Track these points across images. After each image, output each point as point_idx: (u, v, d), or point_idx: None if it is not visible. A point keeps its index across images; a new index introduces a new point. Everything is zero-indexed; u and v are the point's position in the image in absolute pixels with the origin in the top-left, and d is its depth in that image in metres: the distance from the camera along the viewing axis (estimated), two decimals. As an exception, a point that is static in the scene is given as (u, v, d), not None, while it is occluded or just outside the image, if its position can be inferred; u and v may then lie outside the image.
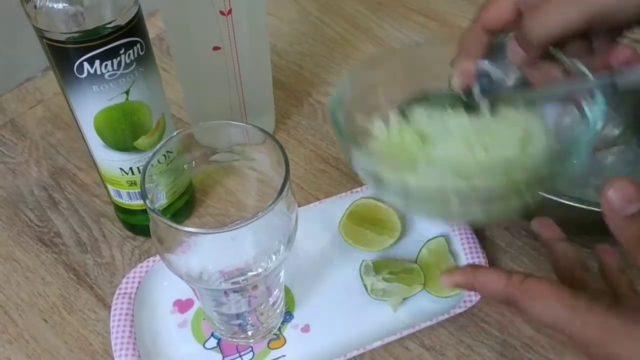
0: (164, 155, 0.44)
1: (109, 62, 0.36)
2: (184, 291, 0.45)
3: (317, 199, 0.50)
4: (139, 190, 0.45)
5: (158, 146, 0.34)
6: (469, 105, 0.35)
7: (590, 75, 0.31)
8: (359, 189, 0.50)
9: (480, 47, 0.34)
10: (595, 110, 0.31)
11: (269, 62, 0.52)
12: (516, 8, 0.32)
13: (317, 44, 0.66)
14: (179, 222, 0.32)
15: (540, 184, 0.33)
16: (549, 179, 0.33)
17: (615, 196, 0.28)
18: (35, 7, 0.34)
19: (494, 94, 0.35)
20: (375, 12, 0.69)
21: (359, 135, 0.35)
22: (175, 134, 0.35)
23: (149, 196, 0.33)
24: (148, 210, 0.32)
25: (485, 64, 0.35)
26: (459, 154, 0.32)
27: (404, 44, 0.66)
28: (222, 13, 0.44)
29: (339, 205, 0.49)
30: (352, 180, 0.53)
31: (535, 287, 0.30)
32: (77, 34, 0.35)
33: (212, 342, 0.43)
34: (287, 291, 0.45)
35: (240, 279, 0.38)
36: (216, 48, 0.46)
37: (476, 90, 0.35)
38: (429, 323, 0.43)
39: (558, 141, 0.34)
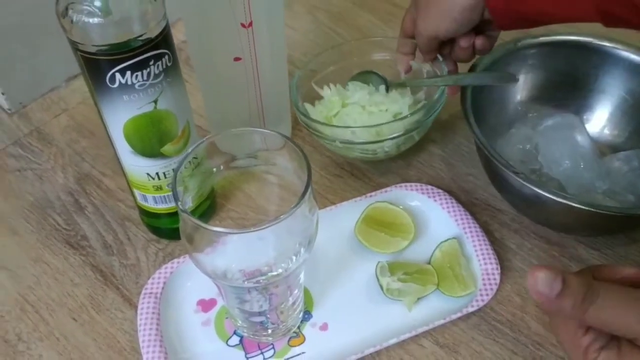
0: (189, 161, 0.46)
1: (139, 73, 0.38)
2: (207, 291, 0.47)
3: (333, 204, 0.52)
4: (165, 194, 0.47)
5: (189, 150, 0.37)
6: (386, 84, 0.57)
7: (440, 76, 0.53)
8: (373, 193, 0.52)
9: (407, 45, 0.55)
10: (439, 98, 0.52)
11: (287, 71, 0.54)
12: (413, 20, 0.52)
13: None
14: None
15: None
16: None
17: (541, 284, 0.31)
18: (72, 21, 0.36)
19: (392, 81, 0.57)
20: (387, 23, 0.71)
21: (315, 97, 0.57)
22: (204, 139, 0.37)
23: (180, 199, 0.35)
24: (180, 212, 0.34)
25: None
26: (355, 114, 0.54)
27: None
28: (243, 25, 0.46)
29: (354, 209, 0.50)
30: (366, 185, 0.55)
31: None
32: (110, 47, 0.37)
33: (235, 340, 0.45)
34: (306, 291, 0.47)
35: (261, 278, 0.40)
36: (237, 59, 0.48)
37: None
38: (442, 321, 0.44)
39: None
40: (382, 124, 0.51)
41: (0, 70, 0.60)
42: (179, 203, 0.34)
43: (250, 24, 0.46)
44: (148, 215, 0.50)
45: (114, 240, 0.52)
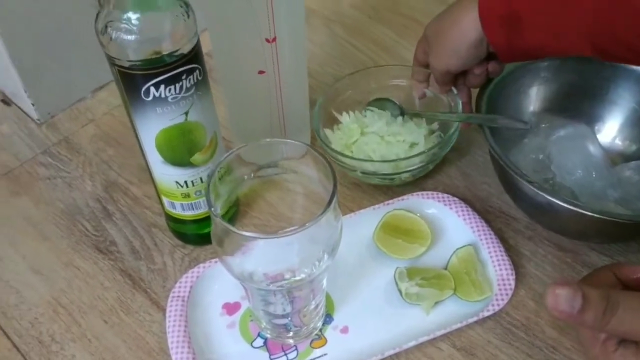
0: (217, 171, 0.48)
1: (172, 87, 0.41)
2: (232, 295, 0.49)
3: (352, 211, 0.54)
4: (191, 202, 0.49)
5: (222, 158, 0.39)
6: (402, 111, 0.59)
7: (455, 113, 0.56)
8: (390, 201, 0.54)
9: (421, 74, 0.58)
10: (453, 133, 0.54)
11: (307, 83, 0.56)
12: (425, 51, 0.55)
13: (347, 65, 0.70)
14: (237, 230, 0.36)
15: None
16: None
17: (562, 303, 0.32)
18: (110, 38, 0.38)
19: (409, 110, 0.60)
20: (402, 36, 0.73)
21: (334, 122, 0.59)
22: (236, 149, 0.39)
23: (213, 205, 0.37)
24: (212, 217, 0.36)
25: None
26: (374, 144, 0.56)
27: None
28: (267, 40, 0.48)
29: (372, 217, 0.52)
30: (383, 194, 0.57)
31: None
32: (145, 62, 0.39)
33: (259, 342, 0.47)
34: (327, 295, 0.49)
35: (284, 282, 0.42)
36: (261, 72, 0.51)
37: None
38: (459, 325, 0.46)
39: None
40: (401, 159, 0.53)
41: (30, 83, 0.63)
42: (212, 209, 0.36)
43: (274, 39, 0.48)
44: (175, 222, 0.52)
45: (141, 245, 0.54)
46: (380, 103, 0.60)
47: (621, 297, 0.32)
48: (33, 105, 0.64)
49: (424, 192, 0.54)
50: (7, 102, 0.68)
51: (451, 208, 0.53)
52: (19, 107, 0.67)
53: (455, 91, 0.55)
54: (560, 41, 0.44)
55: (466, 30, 0.48)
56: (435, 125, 0.59)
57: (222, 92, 0.55)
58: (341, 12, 0.78)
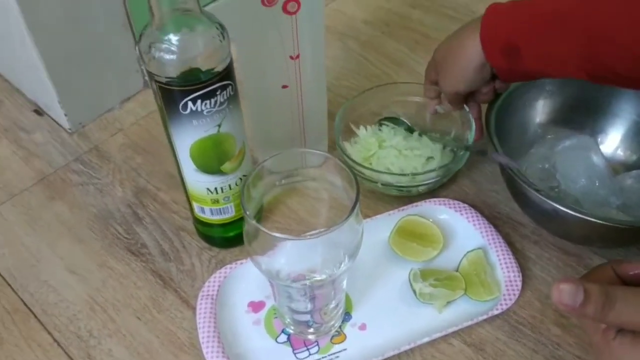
0: (240, 178, 0.52)
1: (207, 101, 0.44)
2: (257, 294, 0.53)
3: (368, 216, 0.58)
4: (220, 207, 0.53)
5: (257, 165, 0.42)
6: (411, 129, 0.64)
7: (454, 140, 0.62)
8: (404, 207, 0.58)
9: (432, 91, 0.61)
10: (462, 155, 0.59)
11: (326, 97, 0.60)
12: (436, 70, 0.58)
13: (362, 78, 0.74)
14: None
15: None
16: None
17: (565, 297, 0.36)
18: (153, 57, 0.42)
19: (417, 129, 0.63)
20: (413, 50, 0.77)
21: (351, 135, 0.63)
22: (268, 157, 0.43)
23: (247, 208, 0.40)
24: (247, 219, 0.40)
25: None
26: (392, 157, 0.60)
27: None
28: (291, 57, 0.52)
29: (388, 222, 0.56)
30: (398, 200, 0.60)
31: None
32: (184, 79, 0.43)
33: (283, 338, 0.50)
34: (346, 295, 0.52)
35: (307, 281, 0.45)
36: (284, 86, 0.54)
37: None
38: (469, 323, 0.49)
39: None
40: (419, 173, 0.57)
41: (63, 94, 0.67)
42: (248, 213, 0.40)
43: (298, 56, 0.52)
44: (203, 225, 0.55)
45: (170, 248, 0.58)
46: (391, 121, 0.64)
47: (619, 292, 0.35)
48: (66, 115, 0.68)
49: (436, 199, 0.58)
50: (39, 112, 0.72)
51: (462, 214, 0.56)
52: (51, 117, 0.71)
53: (467, 109, 0.59)
54: (557, 69, 0.48)
55: (471, 55, 0.52)
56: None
57: (247, 104, 0.59)
58: (355, 28, 0.81)
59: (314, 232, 0.40)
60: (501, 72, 0.52)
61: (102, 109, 0.72)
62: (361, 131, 0.63)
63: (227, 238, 0.56)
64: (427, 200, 0.58)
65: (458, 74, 0.54)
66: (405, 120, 0.64)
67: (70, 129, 0.70)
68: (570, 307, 0.35)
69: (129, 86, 0.73)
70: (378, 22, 0.82)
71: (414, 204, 0.58)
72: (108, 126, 0.70)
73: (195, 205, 0.53)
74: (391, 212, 0.57)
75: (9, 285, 0.56)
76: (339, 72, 0.75)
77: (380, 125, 0.64)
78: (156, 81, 0.44)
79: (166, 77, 0.43)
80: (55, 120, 0.71)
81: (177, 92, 0.43)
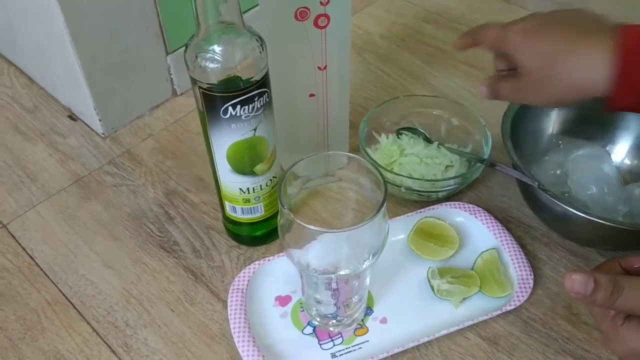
0: (270, 179, 0.55)
1: (246, 107, 0.48)
2: (283, 289, 0.56)
3: (388, 218, 0.61)
4: (250, 206, 0.56)
5: (291, 166, 0.46)
6: (428, 139, 0.67)
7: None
8: (422, 210, 0.61)
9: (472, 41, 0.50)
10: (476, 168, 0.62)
11: (348, 105, 0.64)
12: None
13: (379, 90, 0.78)
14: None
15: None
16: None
17: (577, 286, 0.39)
18: (199, 65, 0.46)
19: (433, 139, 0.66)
20: (428, 63, 0.81)
21: (372, 142, 0.66)
22: (301, 159, 0.46)
23: (284, 204, 0.44)
24: (284, 213, 0.44)
25: None
26: (414, 164, 0.63)
27: (453, 89, 0.77)
28: (319, 68, 0.56)
29: (406, 223, 0.59)
30: (415, 203, 0.64)
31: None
32: (226, 86, 0.47)
33: (309, 330, 0.54)
34: (368, 290, 0.55)
35: (333, 275, 0.49)
36: (312, 95, 0.58)
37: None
38: (484, 317, 0.53)
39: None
40: (439, 180, 0.61)
41: (99, 101, 0.71)
42: (285, 208, 0.43)
43: (325, 67, 0.56)
44: (233, 224, 0.59)
45: (201, 245, 0.61)
46: (409, 131, 0.67)
47: (626, 281, 0.39)
48: (100, 121, 0.72)
49: (452, 203, 0.61)
50: (73, 117, 0.76)
51: (476, 217, 0.60)
52: (85, 123, 0.75)
53: (483, 122, 0.63)
54: None
55: (589, 85, 0.42)
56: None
57: (275, 111, 0.63)
58: (373, 42, 0.86)
59: (346, 226, 0.43)
60: (617, 106, 0.43)
61: (133, 115, 0.76)
62: (382, 139, 0.67)
63: (255, 237, 0.60)
64: (444, 204, 0.61)
65: (561, 95, 0.44)
66: (422, 131, 0.67)
67: (103, 134, 0.73)
68: (582, 295, 0.38)
69: (158, 94, 0.77)
70: (394, 37, 0.86)
71: (431, 206, 0.61)
72: (139, 131, 0.74)
73: (227, 204, 0.57)
74: (409, 214, 0.61)
75: (49, 278, 0.59)
76: (358, 84, 0.79)
77: (399, 134, 0.67)
78: (200, 87, 0.48)
79: (209, 84, 0.47)
80: (88, 125, 0.75)
81: (219, 97, 0.47)
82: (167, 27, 0.71)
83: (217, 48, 0.46)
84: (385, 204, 0.44)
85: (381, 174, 0.45)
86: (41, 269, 0.60)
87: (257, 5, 0.63)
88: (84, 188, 0.68)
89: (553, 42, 0.43)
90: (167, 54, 0.73)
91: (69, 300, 0.57)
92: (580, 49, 0.42)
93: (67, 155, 0.72)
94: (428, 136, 0.67)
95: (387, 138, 0.67)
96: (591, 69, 0.41)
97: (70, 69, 0.68)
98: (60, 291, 0.58)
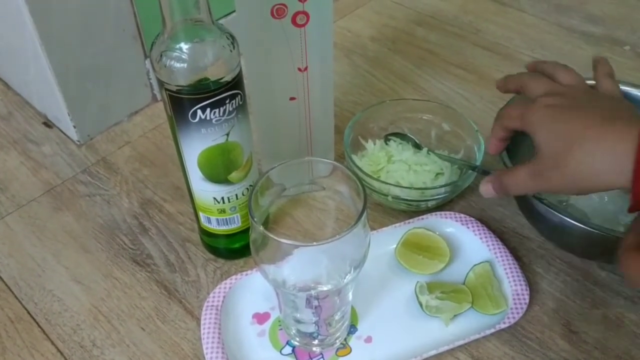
0: (247, 188, 0.52)
1: (217, 110, 0.45)
2: (262, 305, 0.52)
3: (374, 229, 0.58)
4: (226, 217, 0.53)
5: (265, 172, 0.43)
6: (418, 145, 0.64)
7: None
8: (411, 220, 0.58)
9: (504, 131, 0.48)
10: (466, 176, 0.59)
11: (333, 109, 0.61)
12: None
13: (368, 94, 0.75)
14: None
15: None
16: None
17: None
18: (165, 65, 0.43)
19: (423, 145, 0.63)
20: (419, 67, 0.78)
21: (358, 148, 0.63)
22: (276, 165, 0.43)
23: (255, 215, 0.40)
24: (254, 226, 0.40)
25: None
26: (402, 171, 0.60)
27: (445, 94, 0.74)
28: (299, 69, 0.53)
29: (394, 234, 0.56)
30: (404, 213, 0.60)
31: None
32: (194, 87, 0.43)
33: (288, 350, 0.50)
34: (351, 307, 0.52)
35: (313, 291, 0.45)
36: (292, 98, 0.55)
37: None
38: (476, 336, 0.49)
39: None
40: (429, 188, 0.57)
41: (73, 107, 0.67)
42: (255, 219, 0.40)
43: (306, 69, 0.53)
44: (209, 236, 0.55)
45: (176, 259, 0.58)
46: (398, 136, 0.64)
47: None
48: (74, 127, 0.69)
49: (443, 212, 0.58)
50: (48, 124, 0.73)
51: (468, 227, 0.56)
52: (61, 130, 0.72)
53: (475, 127, 0.60)
54: None
55: (612, 181, 0.39)
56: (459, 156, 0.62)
57: (255, 116, 0.59)
58: (362, 45, 0.82)
59: (322, 240, 0.40)
60: None
61: (111, 122, 0.72)
62: (369, 145, 0.63)
63: (233, 249, 0.56)
64: (434, 214, 0.58)
65: (578, 181, 0.40)
66: (412, 137, 0.64)
67: (78, 141, 0.70)
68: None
69: (137, 100, 0.74)
70: (384, 39, 0.83)
71: (420, 217, 0.58)
72: (116, 138, 0.71)
73: (201, 215, 0.53)
74: (397, 224, 0.57)
75: (13, 294, 0.56)
76: (346, 88, 0.76)
77: (387, 140, 0.64)
78: (166, 89, 0.44)
79: (176, 86, 0.43)
80: (64, 133, 0.72)
81: (187, 100, 0.44)
82: (145, 29, 0.68)
83: (183, 46, 0.42)
84: (365, 214, 0.41)
85: (360, 182, 0.42)
86: (5, 284, 0.56)
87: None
88: (56, 198, 0.64)
89: (575, 125, 0.40)
90: (146, 57, 0.70)
91: (33, 318, 0.54)
92: (602, 136, 0.39)
93: (40, 163, 0.68)
94: (417, 142, 0.64)
95: (375, 144, 0.63)
96: (612, 157, 0.38)
97: (42, 73, 0.65)
98: (25, 308, 0.55)
